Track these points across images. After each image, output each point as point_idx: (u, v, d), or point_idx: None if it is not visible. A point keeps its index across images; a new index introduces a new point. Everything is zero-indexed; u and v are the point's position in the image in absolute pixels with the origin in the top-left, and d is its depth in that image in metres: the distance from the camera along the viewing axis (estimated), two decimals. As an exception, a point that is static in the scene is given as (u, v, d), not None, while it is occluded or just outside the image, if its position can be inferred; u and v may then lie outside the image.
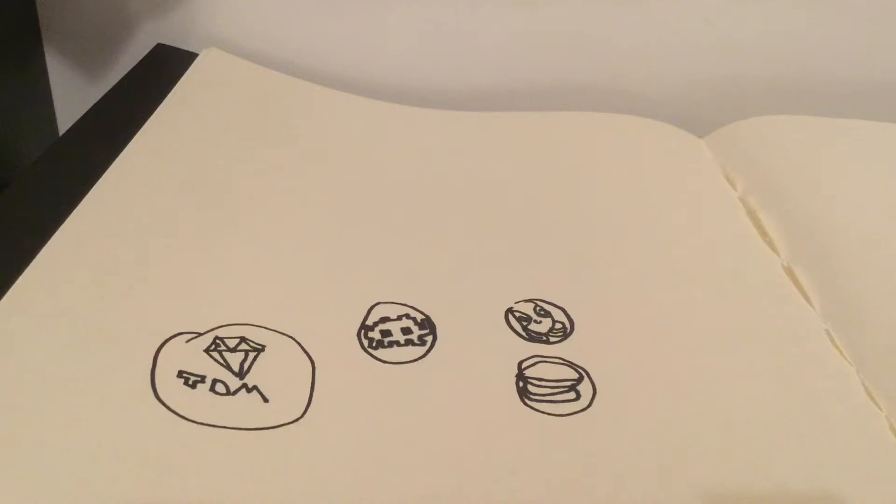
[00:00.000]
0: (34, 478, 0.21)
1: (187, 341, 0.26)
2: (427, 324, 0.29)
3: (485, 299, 0.31)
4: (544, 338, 0.30)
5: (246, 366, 0.26)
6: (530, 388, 0.27)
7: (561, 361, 0.29)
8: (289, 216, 0.33)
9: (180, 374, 0.25)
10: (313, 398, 0.25)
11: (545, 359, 0.29)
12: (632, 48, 0.47)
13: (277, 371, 0.26)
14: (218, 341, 0.27)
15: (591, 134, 0.43)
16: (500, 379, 0.28)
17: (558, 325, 0.30)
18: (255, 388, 0.25)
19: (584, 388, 0.28)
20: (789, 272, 0.35)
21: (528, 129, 0.43)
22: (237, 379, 0.25)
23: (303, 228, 0.32)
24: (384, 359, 0.27)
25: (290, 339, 0.27)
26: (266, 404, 0.25)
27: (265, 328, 0.27)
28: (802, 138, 0.43)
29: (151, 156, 0.34)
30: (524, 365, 0.28)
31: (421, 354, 0.28)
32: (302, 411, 0.25)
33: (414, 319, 0.29)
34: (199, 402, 0.24)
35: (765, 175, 0.41)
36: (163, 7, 0.45)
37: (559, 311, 0.31)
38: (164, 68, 0.42)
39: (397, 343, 0.28)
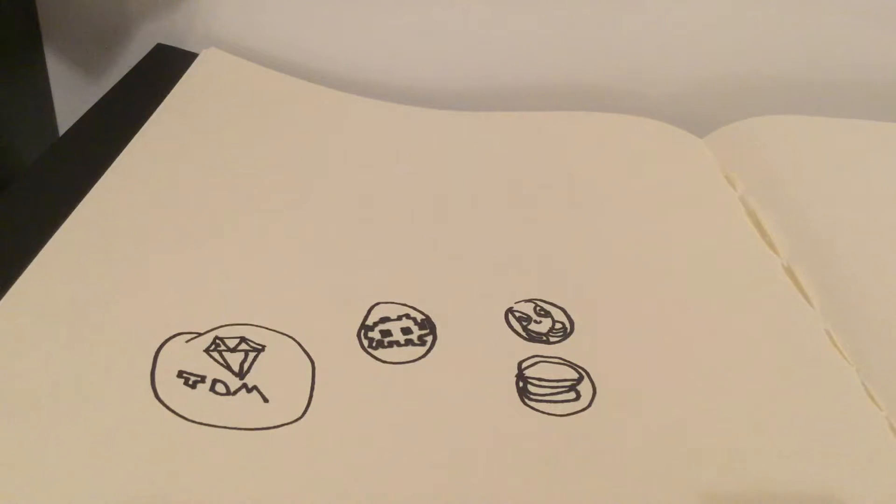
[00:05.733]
0: (34, 477, 0.21)
1: (187, 341, 0.26)
2: (427, 324, 0.29)
3: (485, 299, 0.31)
4: (544, 338, 0.30)
5: (246, 366, 0.26)
6: (530, 388, 0.27)
7: (561, 361, 0.29)
8: (289, 216, 0.33)
9: (180, 374, 0.25)
10: (313, 398, 0.25)
11: (545, 359, 0.29)
12: (632, 48, 0.47)
13: (277, 371, 0.26)
14: (218, 341, 0.27)
15: (591, 134, 0.43)
16: (500, 379, 0.28)
17: (558, 325, 0.30)
18: (255, 388, 0.25)
19: (584, 388, 0.28)
20: (789, 272, 0.35)
21: (528, 129, 0.43)
22: (237, 379, 0.25)
23: (303, 228, 0.32)
24: (384, 359, 0.27)
25: (290, 339, 0.27)
26: (266, 404, 0.25)
27: (265, 328, 0.27)
28: (802, 138, 0.43)
29: (151, 156, 0.34)
30: (524, 365, 0.28)
31: (421, 354, 0.28)
32: (302, 411, 0.25)
33: (414, 319, 0.29)
34: (199, 402, 0.24)
35: (765, 175, 0.41)
36: (163, 7, 0.45)
37: (559, 311, 0.31)
38: (164, 68, 0.42)
39: (397, 343, 0.28)
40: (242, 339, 0.27)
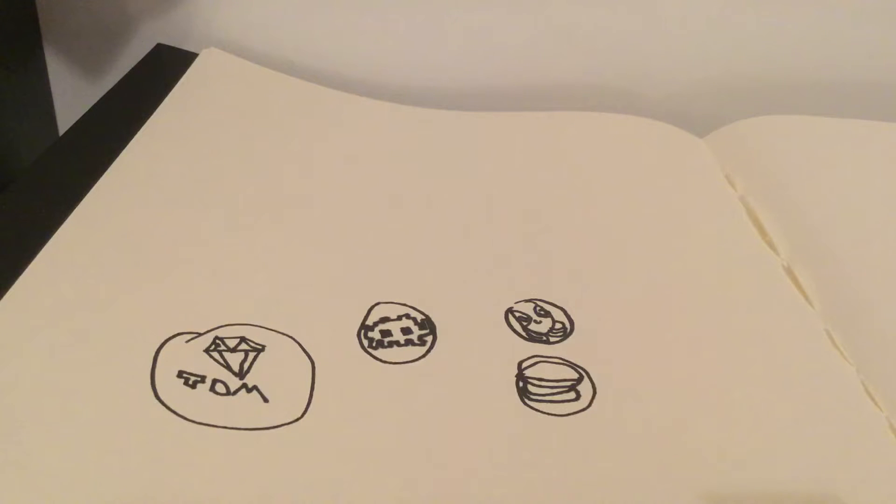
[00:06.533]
0: (34, 477, 0.21)
1: (187, 341, 0.26)
2: (427, 324, 0.29)
3: (485, 299, 0.31)
4: (544, 338, 0.30)
5: (246, 366, 0.26)
6: (530, 388, 0.27)
7: (561, 361, 0.29)
8: (289, 216, 0.33)
9: (180, 374, 0.25)
10: (313, 398, 0.25)
11: (545, 359, 0.29)
12: (632, 48, 0.47)
13: (277, 371, 0.26)
14: (218, 341, 0.27)
15: (591, 134, 0.43)
16: (500, 379, 0.28)
17: (558, 325, 0.30)
18: (255, 388, 0.25)
19: (584, 388, 0.28)
20: (789, 272, 0.35)
21: (528, 129, 0.43)
22: (237, 379, 0.25)
23: (303, 228, 0.32)
24: (384, 359, 0.27)
25: (290, 339, 0.27)
26: (266, 404, 0.25)
27: (265, 328, 0.27)
28: (802, 138, 0.43)
29: (151, 156, 0.34)
30: (524, 365, 0.28)
31: (421, 354, 0.28)
32: (302, 411, 0.25)
33: (414, 319, 0.29)
34: (199, 402, 0.24)
35: (765, 175, 0.41)
36: (163, 7, 0.45)
37: (559, 311, 0.31)
38: (164, 68, 0.42)
39: (397, 343, 0.28)
40: (242, 339, 0.27)
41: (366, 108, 0.42)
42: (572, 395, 0.28)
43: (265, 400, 0.25)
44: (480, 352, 0.29)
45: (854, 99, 0.50)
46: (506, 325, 0.30)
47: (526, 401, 0.27)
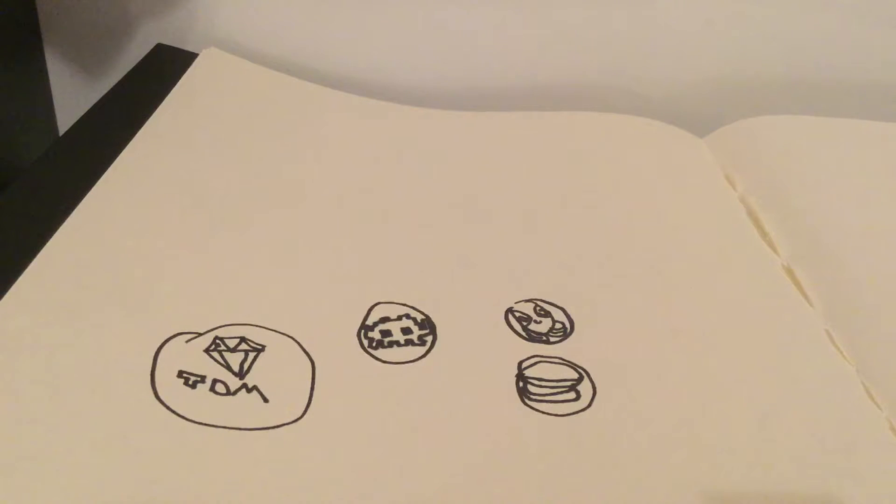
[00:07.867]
0: (34, 478, 0.21)
1: (187, 341, 0.26)
2: (427, 324, 0.29)
3: (485, 299, 0.31)
4: (544, 338, 0.30)
5: (246, 366, 0.26)
6: (530, 388, 0.27)
7: (561, 361, 0.29)
8: (289, 216, 0.33)
9: (180, 374, 0.25)
10: (313, 398, 0.25)
11: (545, 359, 0.29)
12: (632, 48, 0.47)
13: (277, 371, 0.26)
14: (218, 341, 0.27)
15: (592, 134, 0.43)
16: (500, 379, 0.28)
17: (558, 325, 0.30)
18: (255, 388, 0.25)
19: (584, 388, 0.28)
20: (789, 272, 0.35)
21: (528, 129, 0.43)
22: (237, 379, 0.25)
23: (303, 228, 0.32)
24: (384, 359, 0.27)
25: (290, 339, 0.27)
26: (266, 404, 0.25)
27: (265, 328, 0.27)
28: (802, 138, 0.43)
29: (151, 156, 0.34)
30: (524, 365, 0.28)
31: (421, 354, 0.28)
32: (302, 411, 0.25)
33: (414, 319, 0.29)
34: (199, 402, 0.24)
35: (765, 175, 0.41)
36: (163, 7, 0.45)
37: (559, 311, 0.31)
38: (164, 68, 0.42)
39: (397, 343, 0.28)
40: (242, 339, 0.27)
41: (366, 108, 0.42)
42: (572, 395, 0.28)
43: (265, 400, 0.25)
44: (480, 352, 0.29)
45: (854, 99, 0.50)
46: (506, 325, 0.30)
47: (526, 401, 0.27)
